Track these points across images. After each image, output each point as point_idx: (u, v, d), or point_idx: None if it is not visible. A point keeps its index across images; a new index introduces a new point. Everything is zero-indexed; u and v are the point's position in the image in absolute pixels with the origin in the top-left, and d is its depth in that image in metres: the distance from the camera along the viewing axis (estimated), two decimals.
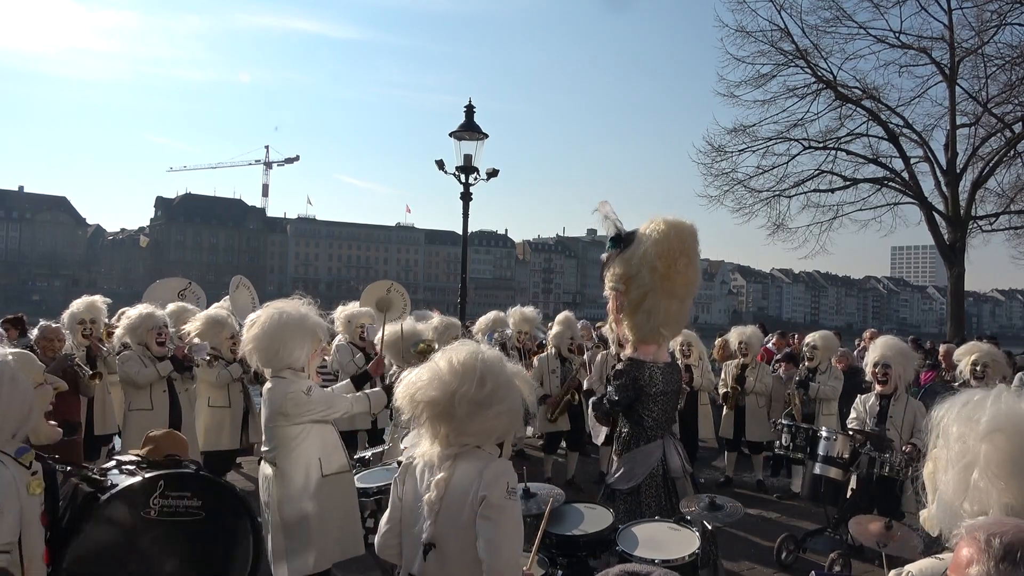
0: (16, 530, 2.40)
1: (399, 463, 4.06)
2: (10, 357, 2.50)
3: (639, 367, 4.69)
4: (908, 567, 1.76)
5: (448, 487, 2.46)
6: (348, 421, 7.75)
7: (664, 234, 4.66)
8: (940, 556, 1.74)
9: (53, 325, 6.35)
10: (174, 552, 3.01)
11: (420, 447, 2.63)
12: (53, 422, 2.97)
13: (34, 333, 6.28)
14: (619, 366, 4.83)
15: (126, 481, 3.03)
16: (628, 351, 4.87)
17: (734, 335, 8.66)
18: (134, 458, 3.29)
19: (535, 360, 8.58)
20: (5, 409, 2.38)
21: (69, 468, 3.09)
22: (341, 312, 8.32)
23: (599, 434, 5.09)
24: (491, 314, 9.82)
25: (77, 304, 7.11)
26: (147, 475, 3.07)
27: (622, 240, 4.82)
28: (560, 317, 8.68)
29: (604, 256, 4.99)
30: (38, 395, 2.67)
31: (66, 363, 5.92)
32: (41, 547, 2.53)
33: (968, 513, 1.62)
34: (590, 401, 5.03)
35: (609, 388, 4.86)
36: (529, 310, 9.41)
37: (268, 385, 3.98)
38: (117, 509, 2.94)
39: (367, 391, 4.26)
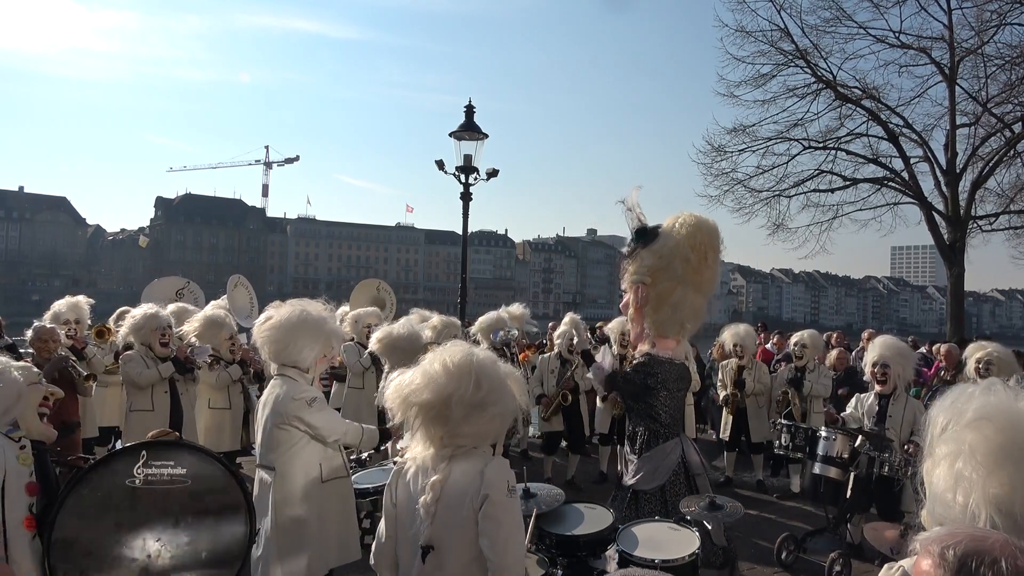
0: None
1: (395, 464, 4.05)
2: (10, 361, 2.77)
3: (659, 363, 4.65)
4: (901, 562, 1.77)
5: (444, 488, 2.44)
6: (355, 421, 7.77)
7: (696, 227, 4.66)
8: None
9: (48, 325, 6.29)
10: (164, 520, 3.02)
11: (412, 450, 2.59)
12: (50, 424, 3.10)
13: (28, 334, 6.21)
14: (638, 359, 4.74)
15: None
16: (644, 347, 4.79)
17: (728, 336, 8.52)
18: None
19: (537, 360, 8.61)
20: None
21: (70, 457, 3.18)
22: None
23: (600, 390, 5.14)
24: (491, 314, 9.82)
25: (60, 304, 7.08)
26: (128, 445, 3.14)
27: (648, 234, 4.72)
28: (566, 318, 8.69)
29: (626, 250, 4.92)
30: (31, 391, 2.89)
31: (62, 364, 5.90)
32: (22, 513, 2.70)
33: (959, 505, 1.62)
34: (592, 367, 4.95)
35: (623, 376, 4.83)
36: (516, 307, 9.44)
37: (273, 384, 3.96)
38: (99, 477, 2.96)
39: (365, 427, 4.13)
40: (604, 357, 4.96)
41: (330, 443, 3.93)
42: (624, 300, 4.93)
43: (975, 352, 6.62)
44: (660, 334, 4.70)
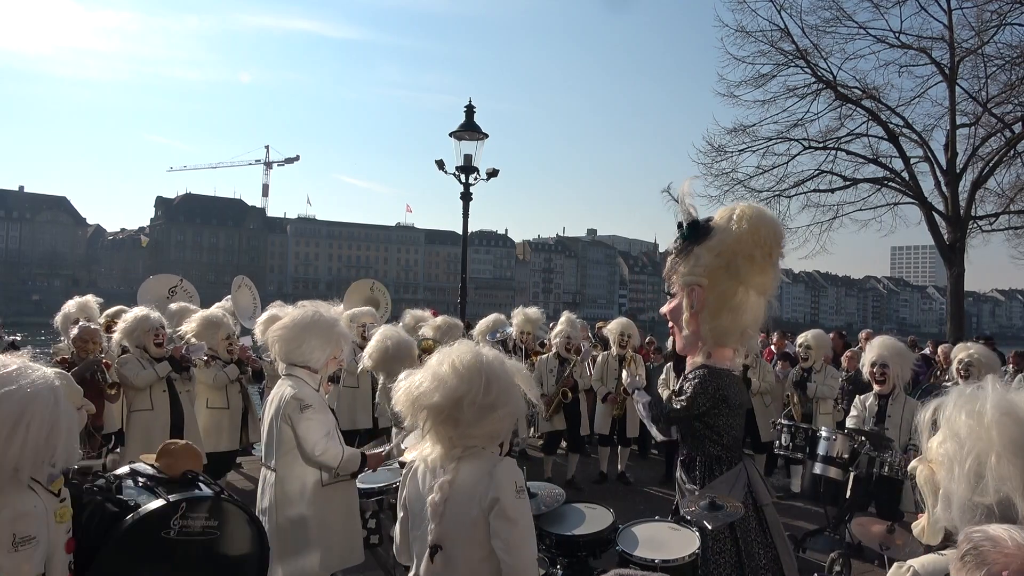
0: (43, 562, 2.38)
1: (401, 463, 4.07)
2: (57, 381, 2.39)
3: (719, 376, 4.07)
4: (910, 562, 1.77)
5: (453, 489, 2.44)
6: (349, 420, 7.78)
7: (759, 220, 4.04)
8: (943, 552, 1.75)
9: (92, 327, 6.27)
10: (190, 571, 3.02)
11: (422, 450, 2.60)
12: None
13: (73, 332, 6.17)
14: (695, 374, 4.12)
15: (148, 503, 3.02)
16: (699, 358, 4.19)
17: None
18: (151, 471, 3.24)
19: (535, 360, 8.59)
20: (53, 435, 2.26)
21: (94, 487, 3.08)
22: None
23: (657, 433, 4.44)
24: (491, 316, 9.82)
25: (70, 305, 7.10)
26: (170, 498, 3.04)
27: (700, 228, 4.13)
28: (562, 318, 8.67)
29: (672, 246, 4.29)
30: (78, 417, 2.81)
31: (93, 367, 5.83)
32: (63, 574, 2.50)
33: (983, 506, 1.63)
34: (640, 404, 4.38)
35: (675, 397, 4.16)
36: (533, 311, 9.39)
37: (281, 383, 3.97)
38: (139, 532, 2.92)
39: (347, 451, 3.96)
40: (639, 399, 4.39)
41: (309, 456, 3.80)
42: (672, 304, 4.28)
43: (958, 353, 6.84)
44: (719, 343, 4.13)
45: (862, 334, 10.95)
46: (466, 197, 12.89)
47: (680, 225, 4.20)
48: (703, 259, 4.04)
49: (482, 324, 9.58)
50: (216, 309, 7.70)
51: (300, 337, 3.88)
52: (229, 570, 3.14)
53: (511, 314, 9.81)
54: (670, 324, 4.38)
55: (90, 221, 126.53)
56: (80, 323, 6.30)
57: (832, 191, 19.02)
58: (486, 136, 12.99)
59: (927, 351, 12.00)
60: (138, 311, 6.27)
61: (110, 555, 2.84)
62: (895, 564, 1.81)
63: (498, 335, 8.96)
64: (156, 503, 3.01)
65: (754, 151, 18.96)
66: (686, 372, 4.30)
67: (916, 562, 1.76)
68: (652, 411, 4.26)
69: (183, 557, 2.99)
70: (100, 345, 6.16)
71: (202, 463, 3.44)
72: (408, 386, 2.52)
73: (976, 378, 6.21)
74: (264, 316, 4.19)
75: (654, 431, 4.45)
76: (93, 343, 6.05)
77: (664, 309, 4.40)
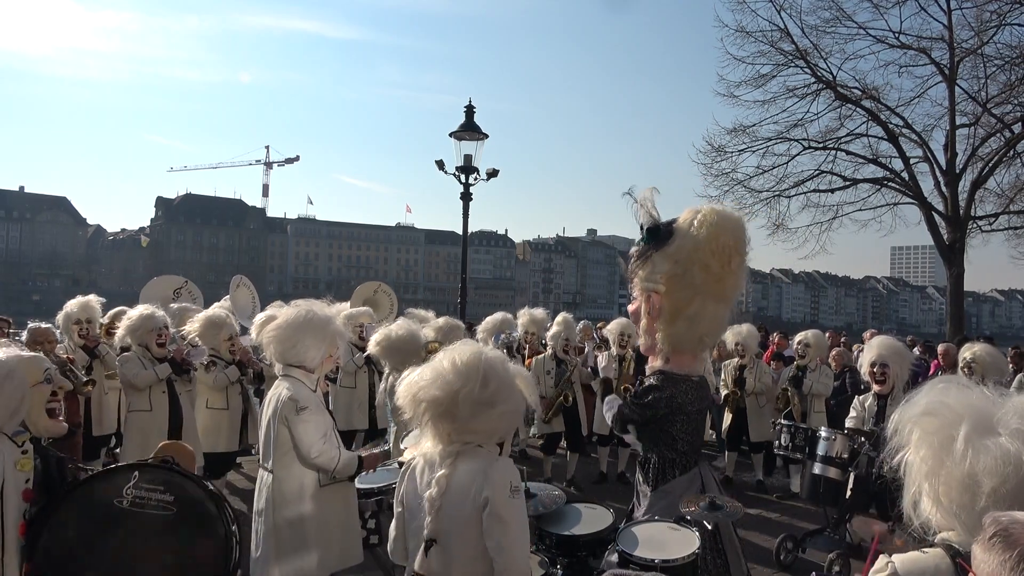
0: None
1: (400, 463, 4.08)
2: (10, 356, 2.83)
3: (675, 383, 4.00)
4: (894, 557, 1.78)
5: (449, 484, 2.47)
6: (345, 420, 7.79)
7: (719, 227, 3.92)
8: (924, 550, 1.76)
9: (43, 326, 6.23)
10: (143, 545, 2.96)
11: (421, 446, 2.64)
12: (62, 419, 3.15)
13: (23, 336, 6.16)
14: (650, 380, 4.10)
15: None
16: (657, 363, 4.15)
17: (730, 335, 8.34)
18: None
19: (532, 361, 8.58)
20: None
21: (80, 465, 3.14)
22: None
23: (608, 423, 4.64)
24: (498, 315, 9.79)
25: (72, 304, 7.06)
26: (122, 463, 3.14)
27: (660, 232, 4.04)
28: (559, 318, 8.65)
29: (634, 250, 4.23)
30: (35, 392, 2.91)
31: (62, 369, 5.86)
32: (18, 519, 2.75)
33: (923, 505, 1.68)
34: (605, 401, 4.46)
35: (631, 404, 4.14)
36: (538, 312, 9.35)
37: (278, 384, 3.96)
38: (90, 493, 2.95)
39: (344, 454, 3.94)
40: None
41: (305, 458, 3.79)
42: (633, 306, 4.27)
43: (963, 352, 6.90)
44: (675, 349, 4.07)
45: (866, 334, 10.95)
46: (466, 197, 12.90)
47: (641, 228, 4.13)
48: (659, 266, 3.99)
49: (488, 322, 9.55)
50: (218, 309, 7.70)
51: (295, 337, 3.87)
52: (188, 549, 3.05)
53: (516, 315, 9.80)
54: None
55: (90, 221, 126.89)
56: (30, 325, 6.27)
57: (832, 191, 19.03)
58: (486, 136, 13.00)
59: (917, 351, 11.98)
60: (143, 309, 6.19)
61: (63, 515, 2.89)
62: (880, 556, 1.81)
63: (502, 337, 8.95)
64: (111, 468, 3.09)
65: (754, 151, 18.99)
66: (643, 376, 4.29)
67: (898, 559, 1.77)
68: (613, 412, 4.24)
69: (137, 528, 2.94)
70: (55, 344, 6.16)
71: (195, 463, 3.42)
72: (410, 381, 2.58)
73: (979, 376, 6.23)
74: (259, 318, 4.17)
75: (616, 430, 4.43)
76: (48, 343, 6.03)
77: (629, 309, 4.40)
